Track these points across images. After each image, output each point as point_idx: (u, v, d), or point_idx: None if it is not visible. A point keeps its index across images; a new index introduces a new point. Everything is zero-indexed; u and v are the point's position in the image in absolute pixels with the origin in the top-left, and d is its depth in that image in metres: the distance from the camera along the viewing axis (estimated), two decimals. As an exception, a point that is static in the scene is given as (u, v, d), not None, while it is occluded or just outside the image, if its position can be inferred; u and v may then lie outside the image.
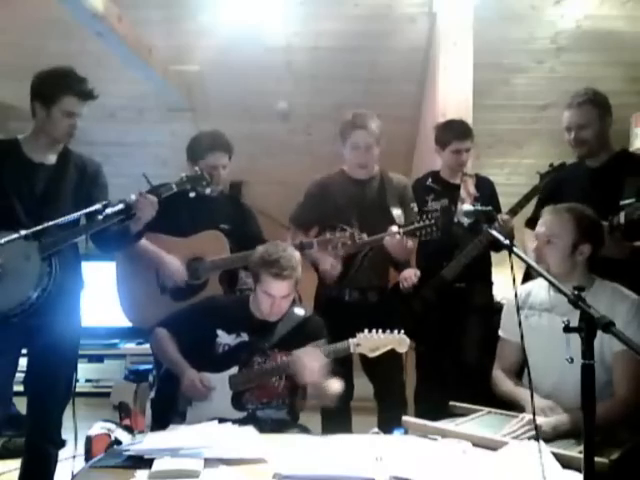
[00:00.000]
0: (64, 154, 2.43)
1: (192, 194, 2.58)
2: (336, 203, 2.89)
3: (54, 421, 2.45)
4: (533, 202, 2.85)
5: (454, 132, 3.03)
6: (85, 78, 2.34)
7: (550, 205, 2.26)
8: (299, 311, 2.41)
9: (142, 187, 2.44)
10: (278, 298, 2.27)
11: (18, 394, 2.48)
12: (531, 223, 2.77)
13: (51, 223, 2.21)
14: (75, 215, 2.28)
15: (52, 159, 2.40)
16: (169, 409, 2.30)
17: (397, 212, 2.85)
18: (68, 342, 2.37)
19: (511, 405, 2.11)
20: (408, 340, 2.17)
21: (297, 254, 2.34)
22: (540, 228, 2.18)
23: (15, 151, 2.36)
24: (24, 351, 2.43)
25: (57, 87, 2.29)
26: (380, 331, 2.17)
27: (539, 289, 2.24)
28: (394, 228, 2.65)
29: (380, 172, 2.97)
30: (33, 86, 2.34)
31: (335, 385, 2.24)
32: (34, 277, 2.21)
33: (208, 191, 2.64)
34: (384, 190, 2.92)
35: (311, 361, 2.14)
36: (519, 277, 3.02)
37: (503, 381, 2.23)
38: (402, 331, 2.17)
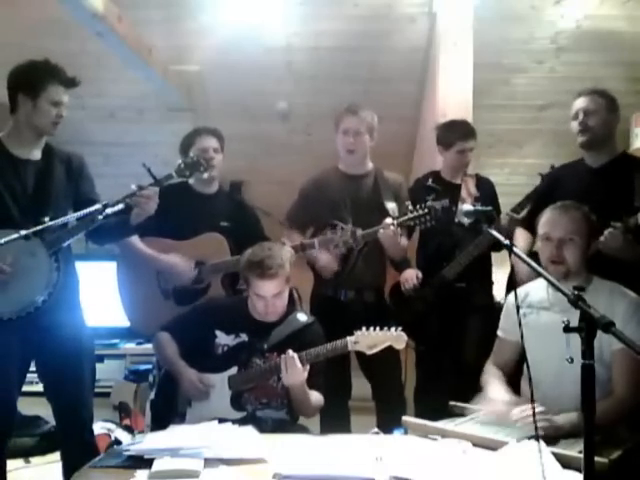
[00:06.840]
0: (47, 150, 2.39)
1: (191, 180, 2.57)
2: (330, 199, 2.89)
3: (89, 417, 2.47)
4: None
5: (458, 132, 3.03)
6: (62, 67, 2.32)
7: (549, 204, 2.26)
8: (301, 317, 2.41)
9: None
10: (270, 298, 2.27)
11: (28, 394, 2.46)
12: (525, 222, 2.77)
13: (52, 223, 2.21)
14: (75, 215, 2.27)
15: (37, 155, 2.36)
16: (169, 410, 2.30)
17: (391, 205, 2.84)
18: (78, 337, 2.36)
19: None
20: (405, 336, 2.17)
21: (286, 252, 2.34)
22: (553, 230, 2.14)
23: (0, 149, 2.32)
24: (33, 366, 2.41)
25: (42, 77, 2.26)
26: (377, 328, 2.17)
27: (538, 288, 2.24)
28: (388, 220, 2.64)
29: (375, 169, 2.98)
30: (14, 79, 2.30)
31: (315, 397, 2.26)
32: (45, 273, 2.21)
33: (206, 176, 2.64)
34: (378, 186, 2.92)
35: (292, 365, 2.13)
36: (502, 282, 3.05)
37: (489, 375, 2.24)
38: (399, 328, 2.17)
